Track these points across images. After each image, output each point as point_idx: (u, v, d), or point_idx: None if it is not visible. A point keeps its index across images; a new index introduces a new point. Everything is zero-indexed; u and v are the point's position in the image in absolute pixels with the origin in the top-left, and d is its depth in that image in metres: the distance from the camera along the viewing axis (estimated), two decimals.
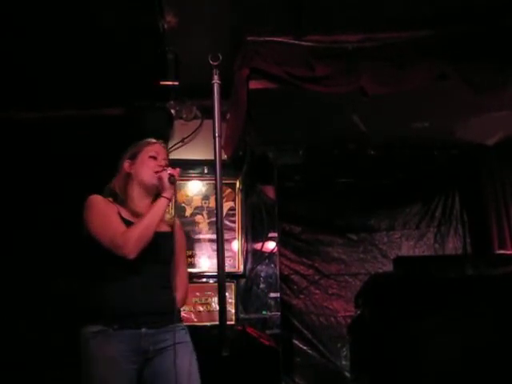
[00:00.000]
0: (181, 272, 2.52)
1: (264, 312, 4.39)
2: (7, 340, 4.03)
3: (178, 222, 2.63)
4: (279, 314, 4.42)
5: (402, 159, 4.92)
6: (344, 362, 4.57)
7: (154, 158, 2.54)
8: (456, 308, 2.80)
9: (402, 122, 4.33)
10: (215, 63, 2.22)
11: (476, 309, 2.79)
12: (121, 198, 2.50)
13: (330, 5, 3.36)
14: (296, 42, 3.59)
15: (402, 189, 5.05)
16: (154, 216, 2.38)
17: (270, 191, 4.72)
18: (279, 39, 3.59)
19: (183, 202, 4.51)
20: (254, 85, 3.56)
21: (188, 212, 4.50)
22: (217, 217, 2.16)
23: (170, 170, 2.45)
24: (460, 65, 3.46)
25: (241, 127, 3.83)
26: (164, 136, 4.44)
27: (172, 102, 4.48)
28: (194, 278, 4.32)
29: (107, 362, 2.26)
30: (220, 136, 2.23)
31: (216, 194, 2.18)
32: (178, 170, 2.48)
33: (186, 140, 4.56)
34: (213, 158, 2.24)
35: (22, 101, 4.33)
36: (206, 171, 4.58)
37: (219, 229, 2.14)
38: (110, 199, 2.50)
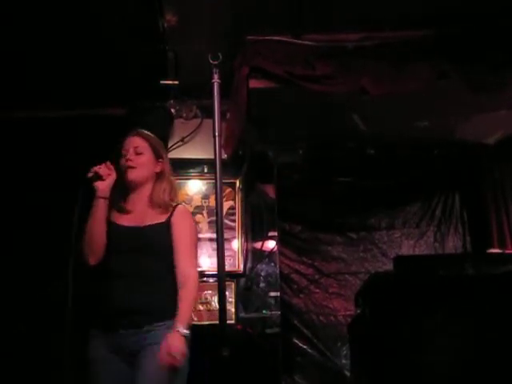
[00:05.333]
0: (178, 264, 2.48)
1: (264, 311, 4.39)
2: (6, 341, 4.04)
3: (181, 209, 2.61)
4: (279, 313, 4.42)
5: (401, 158, 4.92)
6: (344, 361, 4.56)
7: (124, 155, 2.60)
8: (456, 307, 2.80)
9: (402, 121, 4.33)
10: (215, 62, 2.23)
11: (476, 308, 2.79)
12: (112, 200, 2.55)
13: (330, 4, 3.36)
14: (296, 40, 3.58)
15: (402, 188, 5.05)
16: (89, 219, 2.43)
17: (270, 190, 4.72)
18: (279, 38, 3.59)
19: (183, 201, 4.49)
20: (253, 84, 3.55)
21: None
22: (217, 216, 2.17)
23: (94, 168, 2.45)
24: (460, 64, 3.46)
25: (241, 126, 3.83)
26: (163, 135, 4.45)
27: (172, 101, 4.48)
28: None
29: (98, 363, 2.36)
30: (220, 135, 2.25)
31: (216, 193, 2.19)
32: (103, 165, 2.48)
33: (185, 139, 4.55)
34: (213, 157, 2.25)
35: (23, 101, 4.33)
36: (205, 170, 4.58)
37: (219, 228, 2.14)
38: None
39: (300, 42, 3.58)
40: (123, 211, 2.56)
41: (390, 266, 3.67)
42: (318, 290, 4.84)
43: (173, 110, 4.50)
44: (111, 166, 2.47)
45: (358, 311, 3.42)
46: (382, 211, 5.05)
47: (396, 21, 3.48)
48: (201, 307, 4.26)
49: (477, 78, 3.45)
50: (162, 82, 4.12)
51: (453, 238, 5.04)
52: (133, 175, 2.55)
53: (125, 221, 2.54)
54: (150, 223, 2.52)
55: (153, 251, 2.47)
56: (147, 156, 2.62)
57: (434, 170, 5.04)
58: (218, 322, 2.15)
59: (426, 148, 4.85)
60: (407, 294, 2.89)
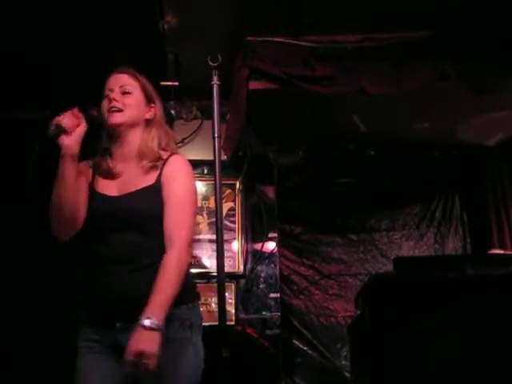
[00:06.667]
0: (165, 229, 1.97)
1: (264, 312, 4.40)
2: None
3: (173, 160, 2.08)
4: (279, 314, 4.43)
5: (402, 159, 4.92)
6: (344, 363, 4.56)
7: (107, 95, 2.11)
8: (456, 308, 2.80)
9: (402, 123, 4.33)
10: (214, 64, 2.23)
11: (476, 309, 2.79)
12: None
13: (329, 5, 3.36)
14: (296, 42, 3.59)
15: (402, 189, 5.05)
16: (56, 184, 1.95)
17: (270, 191, 4.72)
18: (279, 39, 3.59)
19: None
20: (253, 85, 3.56)
21: None
22: (216, 217, 2.17)
23: (56, 119, 1.95)
24: (460, 65, 3.46)
25: (241, 128, 3.84)
26: None
27: (172, 103, 4.48)
28: (194, 278, 4.32)
29: (89, 358, 1.96)
30: (219, 136, 2.23)
31: (216, 194, 2.18)
32: (67, 113, 1.98)
33: (185, 140, 4.55)
34: (212, 158, 2.24)
35: (21, 101, 4.34)
36: (205, 172, 4.58)
37: (219, 229, 2.14)
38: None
39: (299, 43, 3.58)
40: (108, 175, 2.08)
41: (390, 267, 3.67)
42: (318, 292, 4.84)
43: (173, 112, 4.50)
44: (80, 114, 1.98)
45: (358, 312, 3.42)
46: (382, 212, 5.05)
47: (395, 22, 3.49)
48: (201, 308, 4.25)
49: (477, 79, 3.46)
50: (162, 83, 4.12)
51: (453, 239, 5.04)
52: (118, 118, 2.05)
53: (110, 189, 2.06)
54: (136, 188, 2.03)
55: (144, 225, 1.99)
56: (136, 96, 2.12)
57: (434, 172, 5.04)
58: (217, 323, 2.14)
59: (426, 149, 4.86)
60: (407, 295, 2.89)
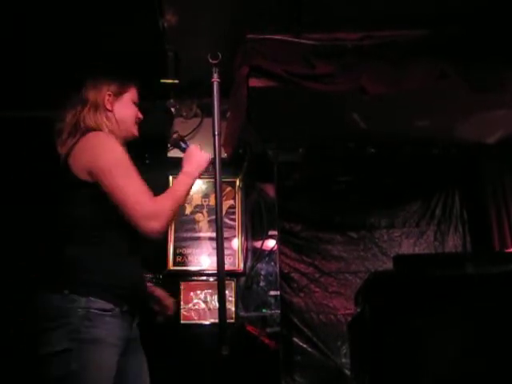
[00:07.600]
0: None
1: (264, 310, 4.40)
2: None
3: None
4: (279, 312, 4.43)
5: (402, 157, 4.92)
6: (344, 360, 4.56)
7: (136, 104, 2.31)
8: (456, 306, 2.80)
9: (402, 120, 4.33)
10: (215, 62, 2.23)
11: (476, 307, 2.79)
12: None
13: (329, 2, 3.35)
14: (296, 40, 3.58)
15: (402, 187, 5.05)
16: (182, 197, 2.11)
17: (270, 189, 4.72)
18: (279, 37, 3.58)
19: None
20: (254, 83, 3.55)
21: (188, 210, 4.51)
22: (216, 215, 2.17)
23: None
24: (460, 64, 3.46)
25: (241, 125, 3.83)
26: (163, 134, 4.45)
27: (172, 101, 4.47)
28: (194, 276, 4.33)
29: (108, 348, 1.89)
30: (219, 134, 2.24)
31: (216, 192, 2.18)
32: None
33: (185, 138, 4.55)
34: (213, 156, 2.25)
35: (21, 100, 4.34)
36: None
37: (219, 227, 2.14)
38: None
39: (300, 41, 3.57)
40: None
41: (389, 265, 3.67)
42: (317, 289, 4.84)
43: (173, 109, 4.50)
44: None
45: (358, 310, 3.42)
46: (382, 210, 5.05)
47: (395, 20, 3.48)
48: (201, 306, 4.27)
49: (476, 78, 3.45)
50: (162, 80, 4.12)
51: (453, 237, 5.04)
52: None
53: None
54: None
55: None
56: None
57: (434, 170, 5.05)
58: (217, 321, 2.14)
59: (426, 147, 4.86)
60: (407, 292, 2.89)
